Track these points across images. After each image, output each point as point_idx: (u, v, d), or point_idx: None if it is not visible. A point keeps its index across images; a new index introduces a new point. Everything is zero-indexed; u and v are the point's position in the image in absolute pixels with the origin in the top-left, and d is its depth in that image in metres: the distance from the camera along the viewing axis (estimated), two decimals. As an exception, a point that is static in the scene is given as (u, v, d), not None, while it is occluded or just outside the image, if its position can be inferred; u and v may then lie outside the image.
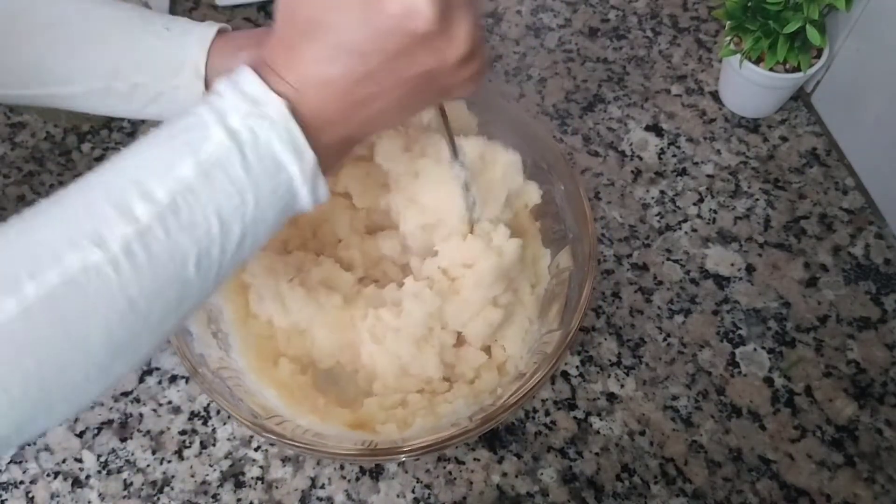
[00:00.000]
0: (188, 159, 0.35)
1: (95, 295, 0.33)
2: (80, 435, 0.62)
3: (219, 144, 0.36)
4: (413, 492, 0.60)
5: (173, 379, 0.65)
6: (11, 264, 0.33)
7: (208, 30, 0.54)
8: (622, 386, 0.64)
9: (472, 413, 0.53)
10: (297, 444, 0.50)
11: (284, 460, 0.61)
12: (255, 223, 0.37)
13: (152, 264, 0.34)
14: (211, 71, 0.54)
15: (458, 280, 0.57)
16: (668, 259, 0.71)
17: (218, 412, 0.63)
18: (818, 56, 0.73)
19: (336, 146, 0.40)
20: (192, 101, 0.55)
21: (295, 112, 0.37)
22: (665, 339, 0.66)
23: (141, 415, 0.63)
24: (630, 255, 0.71)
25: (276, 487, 0.60)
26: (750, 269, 0.70)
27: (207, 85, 0.55)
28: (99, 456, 0.62)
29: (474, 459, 0.61)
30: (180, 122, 0.37)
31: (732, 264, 0.70)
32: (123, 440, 0.62)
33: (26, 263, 0.33)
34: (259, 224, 0.38)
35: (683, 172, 0.76)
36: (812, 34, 0.68)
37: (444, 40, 0.37)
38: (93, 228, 0.34)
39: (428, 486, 0.60)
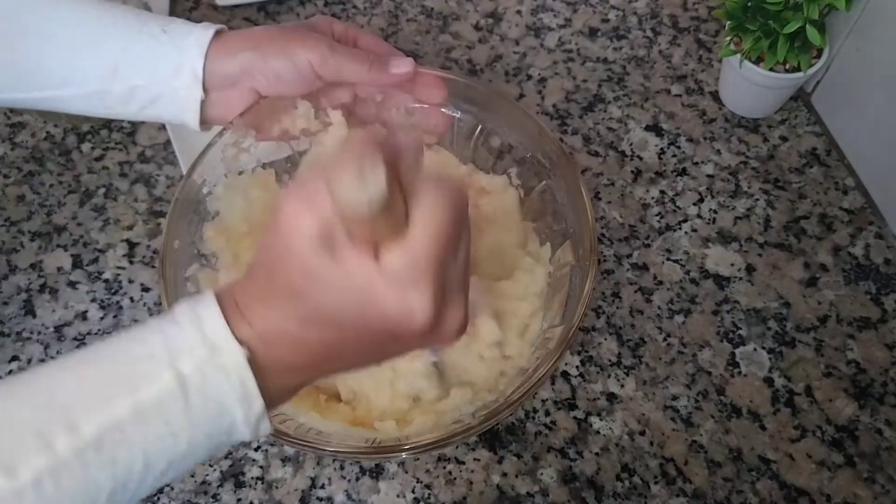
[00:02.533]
0: (126, 398, 0.33)
1: None
2: (80, 435, 0.62)
3: (163, 388, 0.33)
4: (413, 491, 0.60)
5: (173, 379, 0.65)
6: None
7: (205, 32, 0.55)
8: (622, 386, 0.64)
9: (474, 410, 0.53)
10: (298, 441, 0.50)
11: (284, 460, 0.61)
12: (183, 459, 0.35)
13: (61, 499, 0.32)
14: (208, 73, 0.54)
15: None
16: (668, 259, 0.71)
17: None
18: (818, 56, 0.73)
19: (289, 390, 0.39)
20: (191, 104, 0.55)
21: (254, 360, 0.35)
22: (665, 339, 0.66)
23: (141, 415, 0.63)
24: (630, 255, 0.71)
25: (276, 487, 0.60)
26: (750, 269, 0.70)
27: (206, 88, 0.55)
28: (99, 456, 0.61)
29: (474, 459, 0.61)
30: (128, 347, 0.35)
31: (732, 264, 0.70)
32: (123, 440, 0.62)
33: None
34: (187, 459, 0.36)
35: (683, 172, 0.76)
36: (812, 34, 0.68)
37: (434, 333, 0.37)
38: (7, 454, 0.31)
39: (428, 486, 0.60)
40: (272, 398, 0.37)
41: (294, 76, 0.56)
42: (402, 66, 0.57)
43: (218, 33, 0.55)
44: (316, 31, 0.58)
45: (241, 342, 0.35)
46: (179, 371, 0.34)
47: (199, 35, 0.54)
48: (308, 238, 0.33)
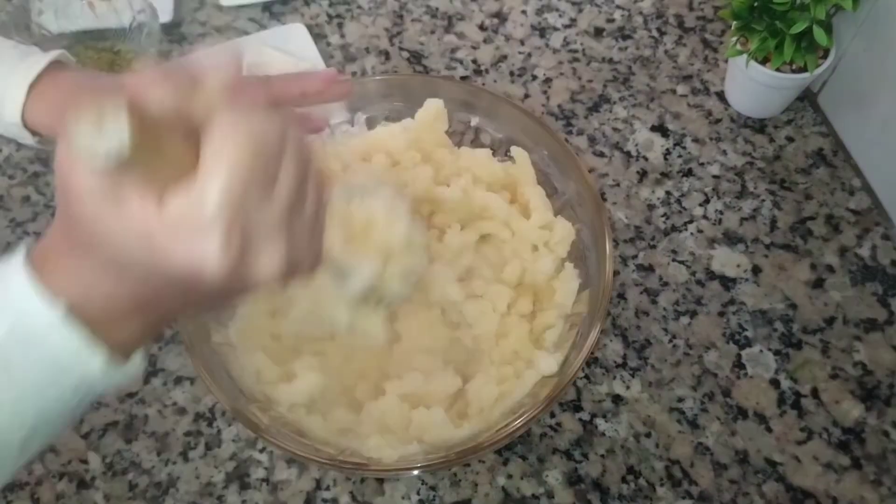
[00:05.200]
0: None
1: None
2: (86, 436, 0.62)
3: None
4: (418, 493, 0.60)
5: (178, 380, 0.65)
6: None
7: (36, 65, 0.53)
8: (628, 388, 0.64)
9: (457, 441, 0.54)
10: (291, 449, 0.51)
11: (289, 462, 0.61)
12: (44, 418, 0.35)
13: None
14: (28, 109, 0.53)
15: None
16: (674, 260, 0.70)
17: (223, 413, 0.63)
18: (825, 56, 0.73)
19: (135, 336, 0.36)
20: (16, 130, 0.55)
21: (78, 311, 0.33)
22: (671, 341, 0.66)
23: (146, 416, 0.63)
24: (636, 256, 0.71)
25: (281, 489, 0.60)
26: (756, 270, 0.70)
27: (25, 122, 0.54)
28: (104, 457, 0.62)
29: (479, 461, 0.61)
30: None
31: (738, 265, 0.70)
32: (129, 441, 0.62)
33: None
34: (51, 419, 0.35)
35: (689, 173, 0.76)
36: (819, 34, 0.67)
37: (244, 273, 0.33)
38: None
39: (433, 489, 0.60)
40: (122, 342, 0.35)
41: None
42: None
43: (58, 63, 0.55)
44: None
45: (55, 297, 0.33)
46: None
47: (28, 69, 0.53)
48: (86, 184, 0.30)
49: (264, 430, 0.52)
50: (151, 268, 0.32)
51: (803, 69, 0.72)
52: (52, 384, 0.34)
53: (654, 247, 0.71)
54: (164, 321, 0.38)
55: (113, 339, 0.34)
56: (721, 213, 0.73)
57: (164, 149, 0.30)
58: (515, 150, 0.65)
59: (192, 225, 0.30)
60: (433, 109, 0.65)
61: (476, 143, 0.67)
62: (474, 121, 0.67)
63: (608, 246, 0.57)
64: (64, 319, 0.33)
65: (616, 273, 0.70)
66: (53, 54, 0.54)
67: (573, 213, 0.63)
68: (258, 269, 0.33)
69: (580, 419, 0.63)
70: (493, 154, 0.66)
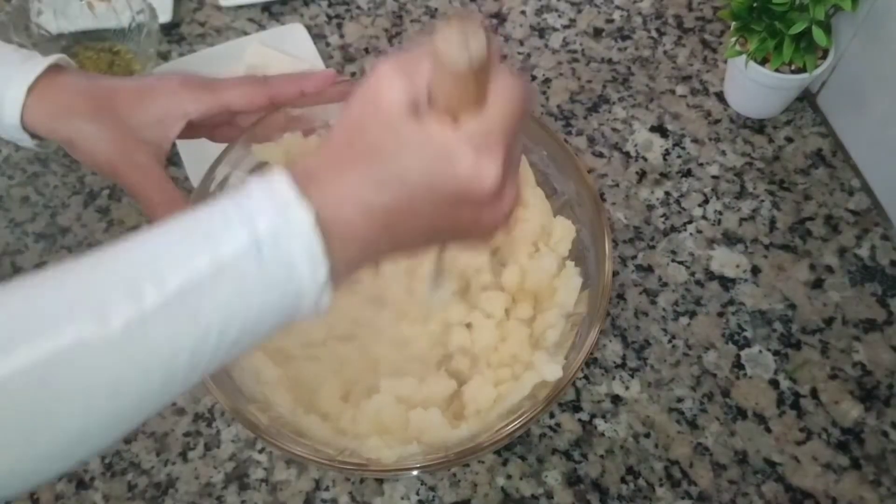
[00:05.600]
0: (205, 254, 0.35)
1: (82, 373, 0.32)
2: (85, 436, 0.62)
3: (239, 245, 0.35)
4: (417, 494, 0.60)
5: (177, 380, 0.65)
6: (8, 326, 0.32)
7: (35, 68, 0.54)
8: (627, 388, 0.64)
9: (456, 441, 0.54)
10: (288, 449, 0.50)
11: (289, 462, 0.61)
12: (252, 328, 0.37)
13: (146, 349, 0.33)
14: (27, 112, 0.54)
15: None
16: (673, 260, 0.70)
17: (222, 414, 0.63)
18: (824, 57, 0.73)
19: (353, 262, 0.40)
20: (14, 132, 0.55)
21: (323, 223, 0.36)
22: (670, 341, 0.66)
23: (145, 416, 0.63)
24: (635, 257, 0.71)
25: (281, 489, 0.60)
26: (755, 270, 0.70)
27: (24, 125, 0.55)
28: (103, 457, 0.62)
29: (479, 462, 0.61)
30: (204, 215, 0.36)
31: (738, 266, 0.70)
32: (128, 442, 0.62)
33: (22, 327, 0.32)
34: (256, 330, 0.37)
35: (688, 173, 0.76)
36: (818, 35, 0.67)
37: (494, 202, 0.39)
38: (97, 302, 0.33)
39: (432, 489, 0.60)
40: (336, 269, 0.37)
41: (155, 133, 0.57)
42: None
43: (56, 67, 0.55)
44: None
45: (311, 201, 0.36)
46: (254, 229, 0.35)
47: (28, 71, 0.53)
48: (398, 100, 0.36)
49: (263, 430, 0.52)
50: (433, 175, 0.37)
51: (802, 70, 0.72)
52: (280, 284, 0.36)
53: (653, 247, 0.71)
54: (382, 253, 0.41)
55: (339, 256, 0.37)
56: (720, 213, 0.73)
57: (475, 86, 0.36)
58: None
59: (484, 142, 0.37)
60: None
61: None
62: None
63: (607, 245, 0.57)
64: (313, 223, 0.36)
65: (615, 273, 0.70)
66: (53, 58, 0.55)
67: (572, 214, 0.62)
68: (505, 198, 0.40)
69: (579, 419, 0.63)
70: None
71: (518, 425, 0.51)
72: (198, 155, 0.73)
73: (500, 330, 0.59)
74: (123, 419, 0.35)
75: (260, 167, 0.63)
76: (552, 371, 0.54)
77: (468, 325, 0.60)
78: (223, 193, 0.52)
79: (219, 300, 0.35)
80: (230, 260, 0.35)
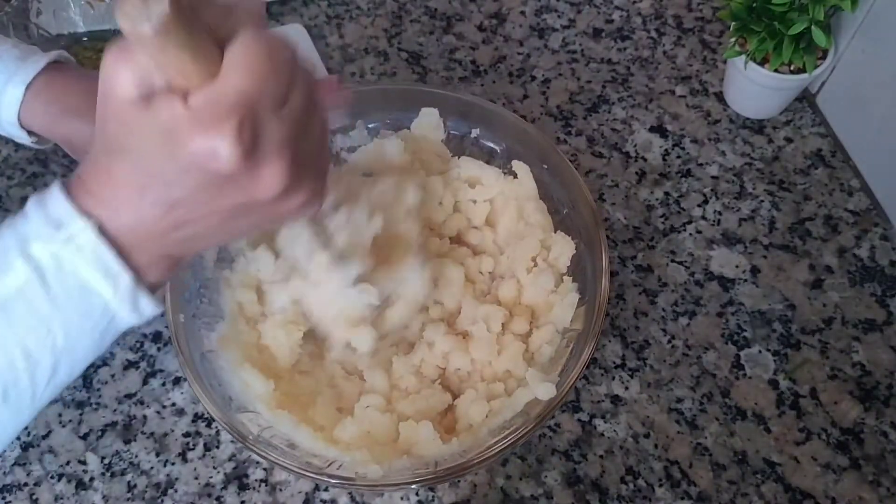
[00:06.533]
0: None
1: None
2: (84, 437, 0.62)
3: (17, 276, 0.34)
4: (417, 494, 0.60)
5: (177, 381, 0.65)
6: None
7: (34, 65, 0.53)
8: (626, 388, 0.64)
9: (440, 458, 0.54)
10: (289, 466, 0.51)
11: (288, 462, 0.61)
12: (68, 351, 0.36)
13: None
14: (25, 109, 0.53)
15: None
16: (673, 261, 0.70)
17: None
18: (823, 57, 0.73)
19: (156, 263, 0.38)
20: (12, 129, 0.55)
21: (106, 232, 0.35)
22: (669, 342, 0.66)
23: (145, 417, 0.63)
24: (634, 257, 0.71)
25: (280, 490, 0.60)
26: (755, 270, 0.70)
27: (22, 122, 0.54)
28: (103, 458, 0.62)
29: (478, 462, 0.61)
30: None
31: (737, 266, 0.70)
32: (127, 442, 0.62)
33: None
34: (74, 351, 0.36)
35: (688, 174, 0.76)
36: (817, 35, 0.68)
37: (251, 180, 0.35)
38: None
39: (431, 489, 0.60)
40: (142, 271, 0.36)
41: None
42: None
43: (57, 63, 0.54)
44: None
45: (88, 215, 0.34)
46: (30, 254, 0.34)
47: (28, 68, 0.53)
48: (124, 91, 0.33)
49: (252, 441, 0.51)
50: (171, 162, 0.34)
51: (802, 70, 0.72)
52: (78, 306, 0.35)
53: (652, 247, 0.71)
54: (185, 245, 0.39)
55: (135, 263, 0.36)
56: (720, 213, 0.73)
57: (193, 54, 0.33)
58: (517, 164, 0.65)
59: (210, 113, 0.33)
60: (428, 122, 0.66)
61: (475, 153, 0.67)
62: (474, 132, 0.67)
63: (604, 262, 0.56)
64: (96, 237, 0.34)
65: (615, 274, 0.70)
66: (52, 55, 0.54)
67: (572, 226, 0.62)
68: (263, 176, 0.35)
69: (579, 420, 0.63)
70: (489, 163, 0.66)
71: (509, 443, 0.51)
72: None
73: (496, 344, 0.59)
74: None
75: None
76: (546, 390, 0.53)
77: (465, 336, 0.60)
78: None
79: (12, 336, 0.34)
80: (12, 294, 0.34)
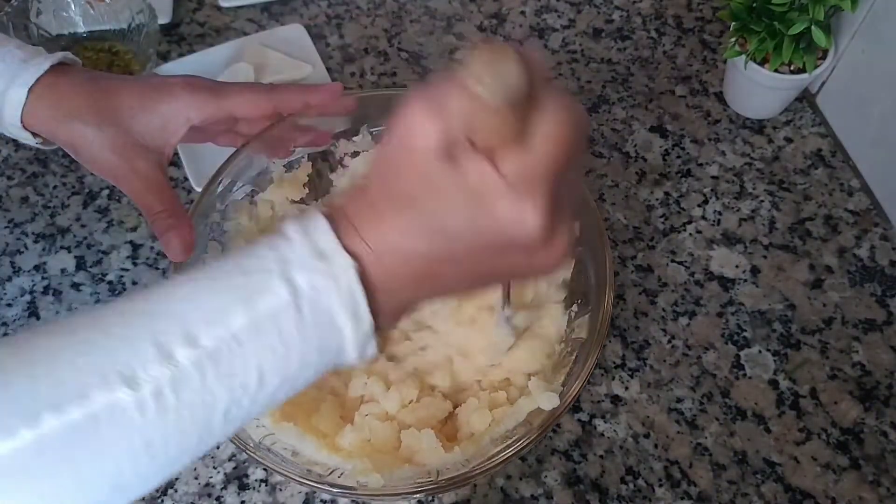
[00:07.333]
0: (241, 308, 0.34)
1: (114, 435, 0.32)
2: (84, 437, 0.62)
3: (277, 298, 0.34)
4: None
5: (177, 381, 0.65)
6: (35, 391, 0.31)
7: (38, 67, 0.53)
8: (626, 388, 0.64)
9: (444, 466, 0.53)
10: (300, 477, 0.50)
11: (288, 462, 0.61)
12: (294, 378, 0.35)
13: (180, 410, 0.33)
14: (28, 112, 0.53)
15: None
16: (673, 261, 0.70)
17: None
18: (823, 57, 0.73)
19: (397, 310, 0.39)
20: (16, 131, 0.54)
21: (364, 274, 0.35)
22: (669, 342, 0.66)
23: (145, 417, 0.63)
24: (634, 257, 0.71)
25: (280, 490, 0.60)
26: (755, 270, 0.70)
27: (25, 125, 0.54)
28: (103, 458, 0.61)
29: (478, 462, 0.61)
30: (241, 262, 0.35)
31: (737, 266, 0.70)
32: (127, 442, 0.62)
33: (50, 393, 0.31)
34: (298, 379, 0.36)
35: (688, 174, 0.76)
36: (817, 35, 0.68)
37: (542, 250, 0.36)
38: (127, 365, 0.32)
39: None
40: (380, 315, 0.36)
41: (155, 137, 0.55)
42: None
43: (61, 65, 0.54)
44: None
45: (351, 254, 0.35)
46: (293, 282, 0.34)
47: (32, 70, 0.53)
48: (429, 144, 0.33)
49: (252, 448, 0.51)
50: (471, 222, 0.34)
51: (802, 70, 0.72)
52: (321, 340, 0.35)
53: (652, 247, 0.71)
54: (432, 295, 0.39)
55: (377, 307, 0.36)
56: (720, 213, 0.73)
57: (512, 118, 0.33)
58: None
59: (524, 184, 0.33)
60: None
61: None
62: None
63: (609, 273, 0.55)
64: (356, 278, 0.34)
65: (615, 274, 0.69)
66: (56, 56, 0.54)
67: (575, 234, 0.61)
68: (555, 243, 0.36)
69: (579, 420, 0.63)
70: None
71: (511, 452, 0.50)
72: (198, 156, 0.73)
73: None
74: (159, 472, 0.34)
75: (262, 175, 0.63)
76: (549, 400, 0.53)
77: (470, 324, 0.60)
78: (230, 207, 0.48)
79: (255, 358, 0.34)
80: (267, 317, 0.34)
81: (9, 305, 0.69)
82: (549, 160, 0.34)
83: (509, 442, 0.52)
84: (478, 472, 0.50)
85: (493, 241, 0.35)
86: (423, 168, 0.34)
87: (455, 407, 0.58)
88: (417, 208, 0.35)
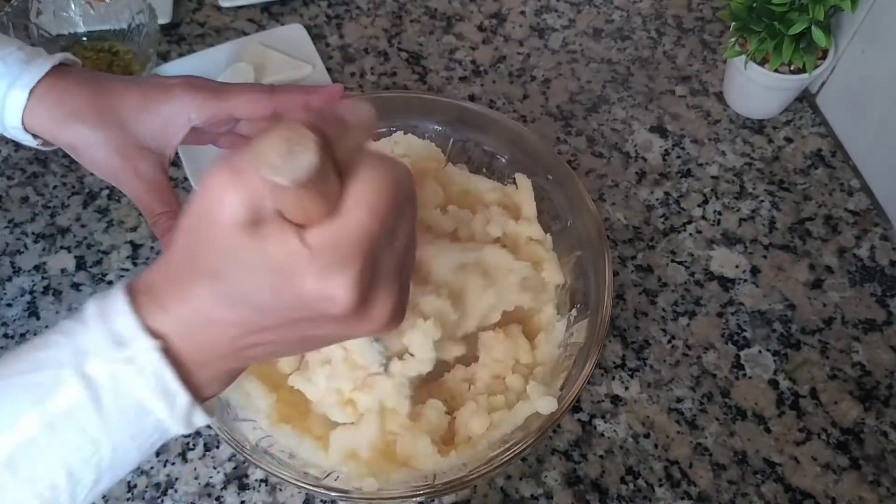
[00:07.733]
0: (33, 412, 0.32)
1: None
2: (84, 437, 0.62)
3: (70, 395, 0.32)
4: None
5: (177, 381, 0.65)
6: None
7: (39, 69, 0.53)
8: (626, 388, 0.64)
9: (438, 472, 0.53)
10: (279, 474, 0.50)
11: (288, 462, 0.61)
12: (114, 467, 0.34)
13: None
14: (29, 114, 0.53)
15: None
16: (673, 261, 0.70)
17: (222, 414, 0.63)
18: (823, 57, 0.73)
19: (225, 376, 0.37)
20: (17, 133, 0.54)
21: (173, 350, 0.33)
22: (670, 342, 0.66)
23: (145, 417, 0.63)
24: (634, 257, 0.71)
25: (280, 490, 0.60)
26: (755, 270, 0.70)
27: (26, 127, 0.53)
28: (103, 458, 0.61)
29: (478, 462, 0.61)
30: (35, 356, 0.33)
31: (737, 266, 0.70)
32: (127, 442, 0.62)
33: None
34: (119, 466, 0.35)
35: (688, 174, 0.76)
36: (817, 35, 0.68)
37: (358, 320, 0.34)
38: None
39: (432, 489, 0.60)
40: (202, 387, 0.35)
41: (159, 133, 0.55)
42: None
43: (63, 66, 0.53)
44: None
45: (154, 333, 0.33)
46: (87, 375, 0.32)
47: (33, 72, 0.52)
48: (231, 216, 0.31)
49: (249, 451, 0.51)
50: (276, 298, 0.32)
51: (802, 70, 0.72)
52: (131, 426, 0.34)
53: (652, 247, 0.71)
54: (254, 360, 0.37)
55: (197, 380, 0.35)
56: (720, 213, 0.73)
57: (319, 193, 0.31)
58: (519, 178, 0.64)
59: (332, 258, 0.31)
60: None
61: (477, 160, 0.67)
62: (476, 139, 0.66)
63: (608, 277, 0.56)
64: (160, 359, 0.33)
65: (615, 274, 0.70)
66: (57, 58, 0.54)
67: (574, 239, 0.61)
68: (373, 314, 0.34)
69: (579, 420, 0.63)
70: (491, 174, 0.66)
71: (509, 457, 0.50)
72: (198, 156, 0.73)
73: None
74: None
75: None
76: (547, 404, 0.53)
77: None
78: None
79: (58, 458, 0.33)
80: (63, 415, 0.32)
81: (9, 305, 0.69)
82: (361, 228, 0.31)
83: (507, 446, 0.51)
84: (475, 475, 0.50)
85: (305, 315, 0.33)
86: (225, 240, 0.31)
87: (451, 411, 0.58)
88: (217, 281, 0.33)
